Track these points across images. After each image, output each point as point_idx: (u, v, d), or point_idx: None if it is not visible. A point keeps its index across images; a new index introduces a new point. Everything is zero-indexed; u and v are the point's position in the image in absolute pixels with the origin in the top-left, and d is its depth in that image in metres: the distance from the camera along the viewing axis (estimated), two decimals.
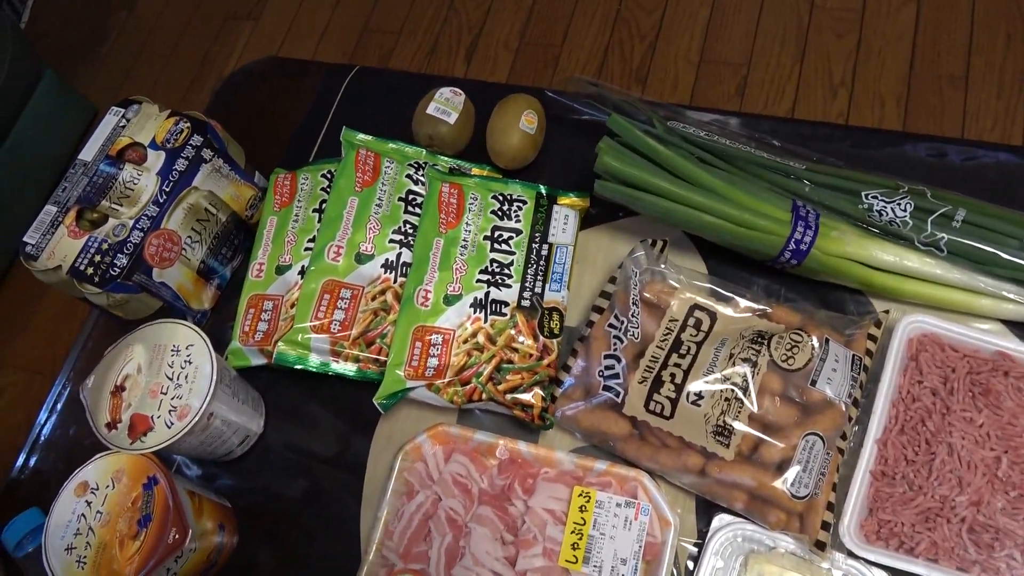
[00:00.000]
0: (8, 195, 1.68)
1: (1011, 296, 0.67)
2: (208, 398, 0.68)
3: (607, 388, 0.68)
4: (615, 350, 0.69)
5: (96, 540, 0.64)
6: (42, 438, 0.87)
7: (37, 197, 1.72)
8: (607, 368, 0.69)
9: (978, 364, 0.65)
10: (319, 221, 0.83)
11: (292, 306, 0.79)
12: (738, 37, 1.54)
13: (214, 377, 0.69)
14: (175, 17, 2.07)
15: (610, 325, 0.71)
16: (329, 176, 0.86)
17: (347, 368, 0.76)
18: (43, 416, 0.88)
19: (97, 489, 0.66)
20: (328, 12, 1.81)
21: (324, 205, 0.83)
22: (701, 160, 0.76)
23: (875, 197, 0.69)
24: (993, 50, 1.41)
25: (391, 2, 1.77)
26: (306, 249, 0.82)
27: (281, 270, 0.82)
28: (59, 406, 0.88)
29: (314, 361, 0.76)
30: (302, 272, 0.81)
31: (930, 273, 0.68)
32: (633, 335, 0.69)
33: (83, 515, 0.66)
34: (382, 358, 0.76)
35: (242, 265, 0.87)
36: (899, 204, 0.69)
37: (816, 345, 0.65)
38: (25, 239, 0.78)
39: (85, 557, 0.64)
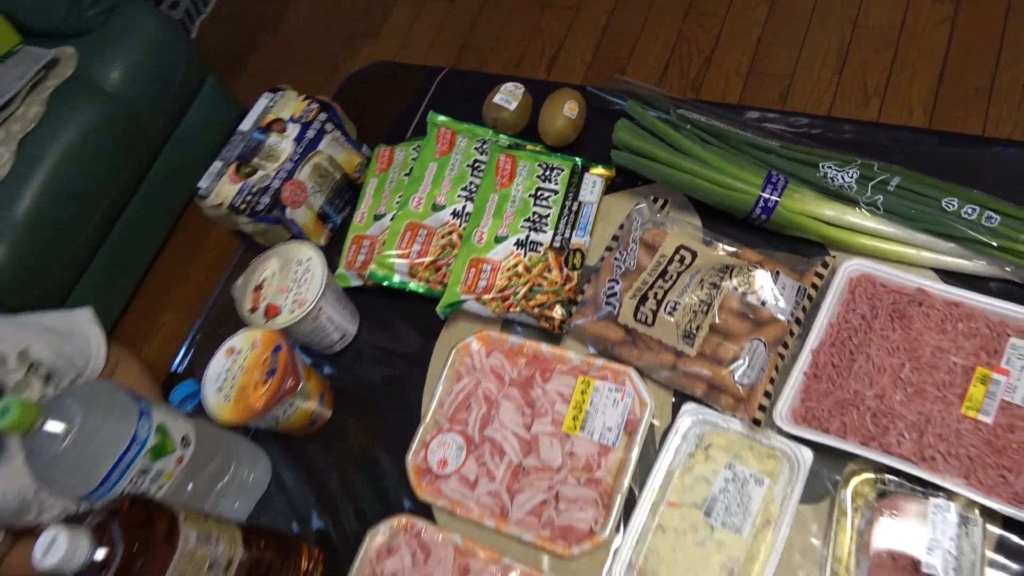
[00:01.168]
0: (175, 170, 2.09)
1: (934, 247, 0.84)
2: (319, 295, 0.94)
3: (607, 303, 0.90)
4: (615, 275, 0.91)
5: (237, 384, 0.92)
6: (200, 333, 1.17)
7: (195, 173, 2.17)
8: (609, 289, 0.90)
9: (900, 297, 0.83)
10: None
11: (383, 243, 1.05)
12: (784, 52, 1.71)
13: (324, 281, 0.95)
14: (310, 35, 2.44)
15: (615, 259, 0.92)
16: (417, 149, 1.12)
17: (419, 286, 1.01)
18: (202, 318, 1.18)
19: (240, 352, 0.94)
20: (434, 32, 2.13)
21: (411, 170, 1.10)
22: (702, 140, 0.96)
23: (829, 167, 0.88)
24: (1019, 66, 1.52)
25: (486, 23, 2.06)
26: (396, 202, 1.09)
27: (378, 218, 1.09)
28: (212, 312, 1.18)
29: (396, 279, 1.01)
30: (392, 218, 1.07)
31: (869, 227, 0.86)
32: (630, 265, 0.91)
33: (229, 368, 0.93)
34: (445, 280, 1.00)
35: (349, 215, 1.15)
36: (847, 172, 0.87)
37: (766, 275, 0.84)
38: (199, 184, 1.08)
39: (229, 394, 0.91)
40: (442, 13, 2.17)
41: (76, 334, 1.07)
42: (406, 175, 1.10)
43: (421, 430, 0.93)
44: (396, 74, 1.33)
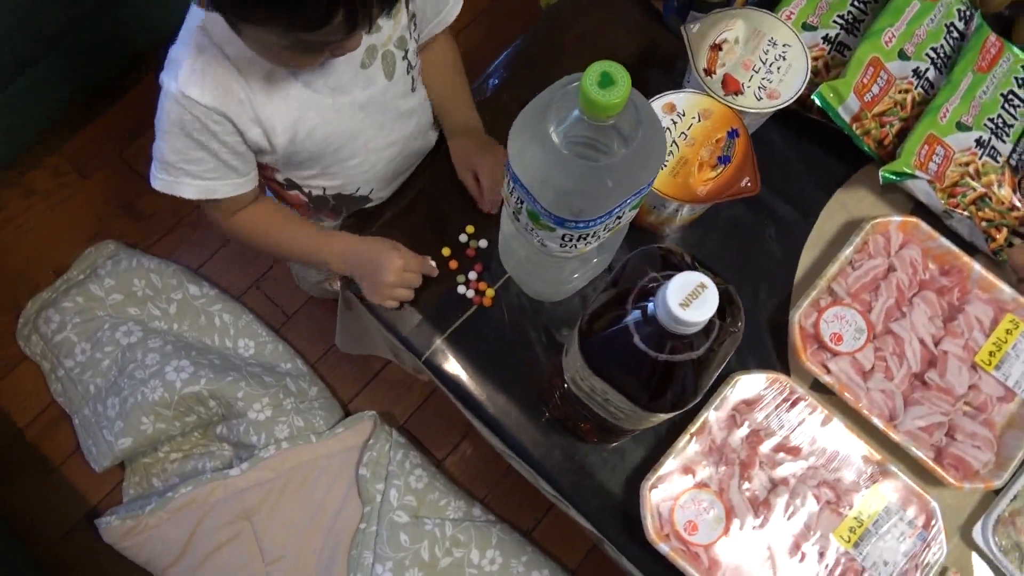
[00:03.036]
0: None
1: None
2: (798, 93, 0.77)
3: None
4: None
5: (679, 153, 0.75)
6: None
7: None
8: None
9: None
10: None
11: (815, 59, 0.88)
12: None
13: (806, 77, 0.78)
14: None
15: None
16: None
17: (855, 132, 0.86)
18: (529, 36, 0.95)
19: (683, 115, 0.76)
20: None
21: None
22: None
23: None
24: None
25: None
26: (834, 21, 0.91)
27: (807, 27, 0.91)
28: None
29: (841, 116, 0.85)
30: (825, 39, 0.90)
31: None
32: None
33: (669, 129, 0.75)
34: (885, 140, 0.87)
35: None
36: None
37: None
38: None
39: (666, 162, 0.74)
40: None
41: None
42: None
43: (814, 292, 0.82)
44: None
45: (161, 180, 0.72)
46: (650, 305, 0.51)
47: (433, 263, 0.80)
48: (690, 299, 0.47)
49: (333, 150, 0.77)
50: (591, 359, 0.55)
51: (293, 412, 1.20)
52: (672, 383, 0.53)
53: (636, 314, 0.52)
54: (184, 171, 0.71)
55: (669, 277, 0.51)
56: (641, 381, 0.53)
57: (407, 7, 0.75)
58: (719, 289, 0.50)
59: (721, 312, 0.52)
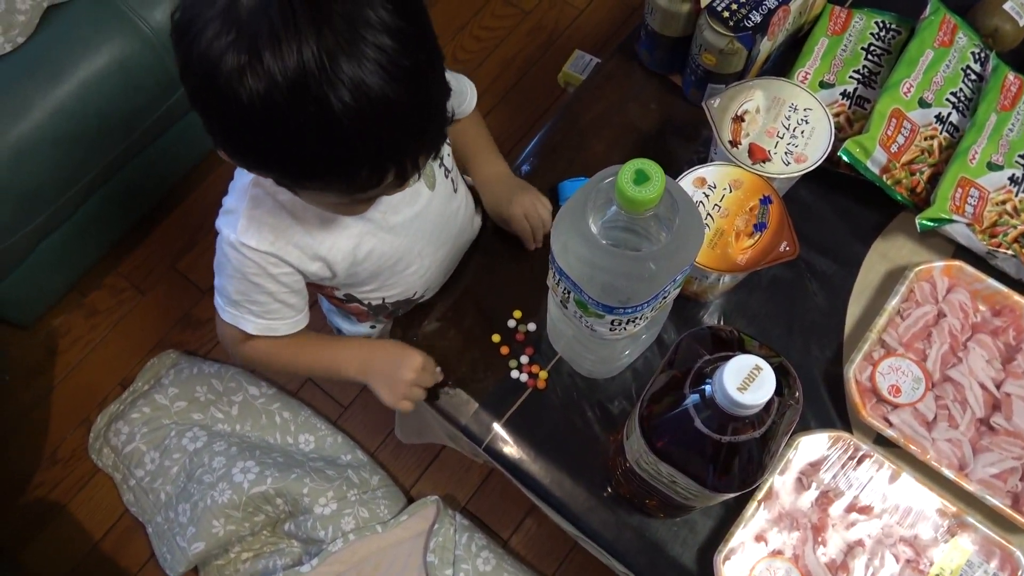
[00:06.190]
0: None
1: None
2: (824, 155, 0.79)
3: None
4: None
5: (715, 224, 0.76)
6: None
7: None
8: None
9: None
10: (865, 59, 0.94)
11: (836, 115, 0.90)
12: None
13: (830, 142, 0.80)
14: None
15: None
16: (881, 25, 0.96)
17: (887, 184, 0.87)
18: (551, 125, 0.99)
19: (714, 188, 0.78)
20: None
21: (871, 46, 0.94)
22: None
23: None
24: None
25: None
26: (850, 77, 0.93)
27: (824, 85, 0.93)
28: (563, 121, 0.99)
29: (870, 169, 0.87)
30: (844, 94, 0.92)
31: None
32: None
33: (700, 202, 0.78)
34: (917, 188, 0.87)
35: (783, 67, 0.97)
36: None
37: None
38: None
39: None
40: None
41: (456, 85, 0.87)
42: (863, 48, 0.94)
43: (866, 346, 0.82)
44: None
45: (229, 314, 0.76)
46: (707, 388, 0.52)
47: (439, 369, 0.83)
48: (747, 382, 0.48)
49: (391, 264, 0.81)
50: (653, 443, 0.56)
51: (357, 503, 1.21)
52: (738, 462, 0.54)
53: (695, 398, 0.53)
54: (248, 310, 0.75)
55: (722, 358, 0.53)
56: (706, 463, 0.54)
57: None
58: (773, 364, 0.51)
59: (778, 386, 0.53)
